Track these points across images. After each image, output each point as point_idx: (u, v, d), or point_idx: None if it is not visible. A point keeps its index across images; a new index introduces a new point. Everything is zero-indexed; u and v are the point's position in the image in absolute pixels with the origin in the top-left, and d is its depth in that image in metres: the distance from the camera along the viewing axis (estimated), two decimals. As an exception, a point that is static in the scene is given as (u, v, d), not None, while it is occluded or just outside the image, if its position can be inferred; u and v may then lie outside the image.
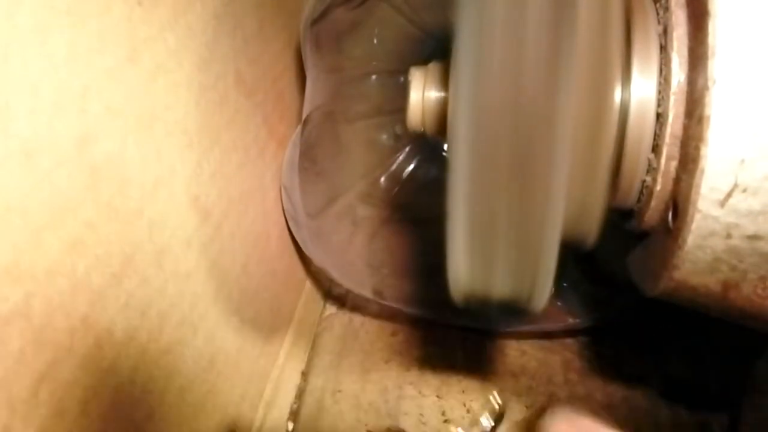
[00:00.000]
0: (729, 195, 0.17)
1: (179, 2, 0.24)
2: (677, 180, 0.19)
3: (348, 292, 0.42)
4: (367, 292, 0.36)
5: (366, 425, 0.34)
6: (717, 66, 0.17)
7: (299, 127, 0.35)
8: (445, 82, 0.22)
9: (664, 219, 0.19)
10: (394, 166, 0.33)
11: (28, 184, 0.17)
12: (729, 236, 0.18)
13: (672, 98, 0.18)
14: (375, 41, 0.33)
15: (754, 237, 0.17)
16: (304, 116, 0.35)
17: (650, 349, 0.35)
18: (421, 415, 0.34)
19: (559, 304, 0.33)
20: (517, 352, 0.37)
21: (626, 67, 0.19)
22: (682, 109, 0.18)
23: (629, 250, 0.23)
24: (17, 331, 0.17)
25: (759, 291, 0.18)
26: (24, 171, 0.17)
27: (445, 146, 0.31)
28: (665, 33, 0.19)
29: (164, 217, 0.24)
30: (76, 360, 0.19)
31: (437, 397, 0.35)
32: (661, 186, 0.19)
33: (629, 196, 0.20)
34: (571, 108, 0.16)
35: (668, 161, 0.19)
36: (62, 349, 0.18)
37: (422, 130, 0.23)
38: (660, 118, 0.19)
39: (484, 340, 0.38)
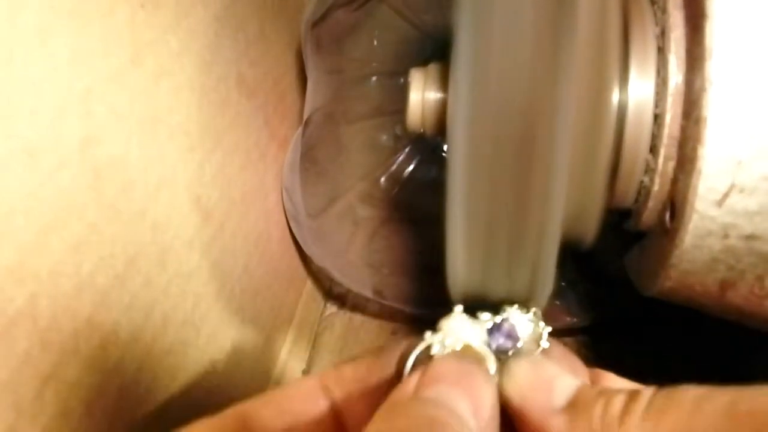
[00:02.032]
0: (726, 195, 0.17)
1: (181, 5, 0.25)
2: (675, 180, 0.19)
3: (348, 291, 0.42)
4: (367, 292, 0.36)
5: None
6: (714, 67, 0.17)
7: (300, 128, 0.35)
8: (444, 83, 0.22)
9: (662, 219, 0.20)
10: (394, 167, 0.33)
11: (32, 185, 0.17)
12: (726, 236, 0.18)
13: (669, 99, 0.18)
14: (375, 43, 0.33)
15: (751, 237, 0.18)
16: (305, 117, 0.35)
17: (648, 348, 0.35)
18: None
19: (557, 303, 0.33)
20: (517, 351, 0.37)
21: (624, 69, 0.19)
22: (679, 110, 0.18)
23: (627, 249, 0.23)
24: (23, 332, 0.17)
25: (756, 290, 0.19)
26: (27, 172, 0.17)
27: (445, 147, 0.31)
28: (663, 35, 0.19)
29: (167, 218, 0.24)
30: (81, 361, 0.19)
31: (437, 395, 0.35)
32: (658, 186, 0.19)
33: (627, 197, 0.21)
34: (570, 109, 0.16)
35: (666, 162, 0.19)
36: (67, 350, 0.19)
37: (422, 130, 0.23)
38: (657, 119, 0.19)
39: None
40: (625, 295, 0.32)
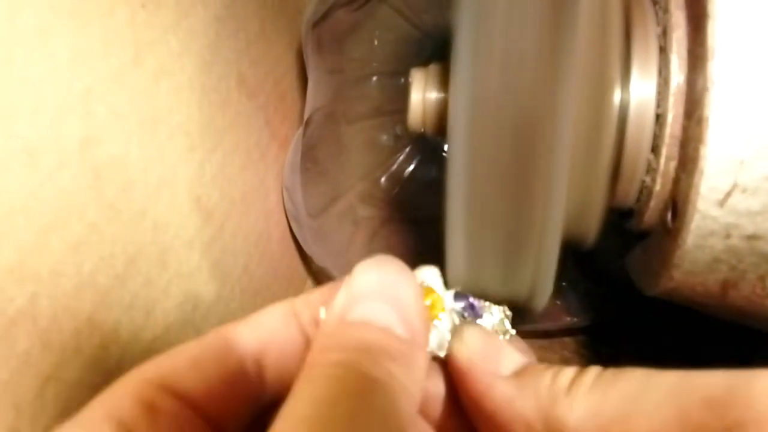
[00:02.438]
0: (728, 195, 0.17)
1: (182, 5, 0.25)
2: (676, 180, 0.19)
3: (349, 291, 0.42)
4: (367, 292, 0.36)
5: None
6: (716, 67, 0.17)
7: (301, 128, 0.35)
8: (445, 83, 0.22)
9: (664, 219, 0.19)
10: (394, 167, 0.33)
11: (32, 185, 0.17)
12: (728, 236, 0.18)
13: (671, 99, 0.18)
14: (376, 43, 0.33)
15: (753, 237, 0.18)
16: (305, 117, 0.35)
17: (648, 348, 0.35)
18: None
19: (557, 303, 0.33)
20: (517, 351, 0.37)
21: (626, 69, 0.19)
22: (681, 110, 0.18)
23: (629, 249, 0.23)
24: (23, 332, 0.17)
25: (758, 290, 0.19)
26: (27, 172, 0.17)
27: (446, 147, 0.31)
28: (665, 34, 0.19)
29: (167, 218, 0.24)
30: (81, 360, 0.19)
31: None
32: (660, 186, 0.19)
33: (629, 196, 0.20)
34: (571, 109, 0.16)
35: (668, 162, 0.19)
36: (68, 350, 0.19)
37: (423, 130, 0.23)
38: (659, 118, 0.19)
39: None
40: (625, 295, 0.32)
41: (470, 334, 0.17)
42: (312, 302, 0.17)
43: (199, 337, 0.16)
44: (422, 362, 0.15)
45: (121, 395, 0.14)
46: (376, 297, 0.15)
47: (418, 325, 0.15)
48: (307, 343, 0.17)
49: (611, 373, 0.14)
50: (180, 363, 0.15)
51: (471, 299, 0.18)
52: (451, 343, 0.17)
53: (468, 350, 0.16)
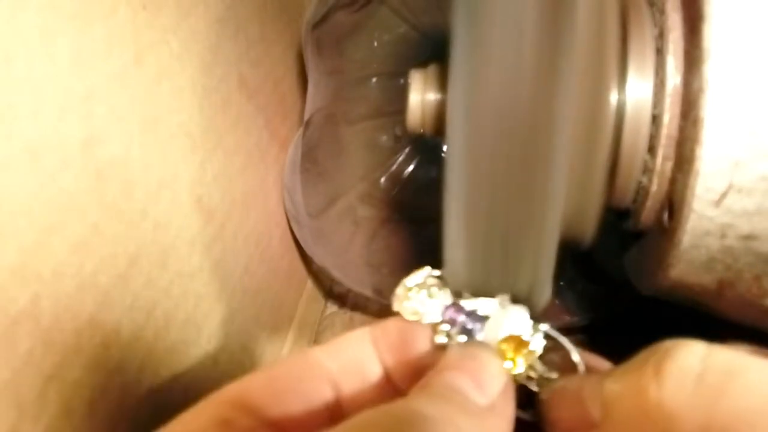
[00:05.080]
0: (724, 195, 0.17)
1: (182, 6, 0.25)
2: (673, 180, 0.19)
3: (349, 291, 0.42)
4: (367, 291, 0.36)
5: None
6: (712, 69, 0.17)
7: (301, 129, 0.35)
8: (444, 83, 0.22)
9: (660, 219, 0.20)
10: (394, 167, 0.33)
11: (34, 185, 0.17)
12: (724, 236, 0.18)
13: (667, 100, 0.19)
14: (375, 44, 0.33)
15: (748, 237, 0.18)
16: (305, 118, 0.35)
17: (647, 347, 0.35)
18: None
19: (556, 302, 0.33)
20: (516, 350, 0.37)
21: (622, 70, 0.19)
22: (677, 110, 0.18)
23: (626, 248, 0.23)
24: (25, 332, 0.17)
25: (754, 290, 0.19)
26: (29, 173, 0.17)
27: (445, 147, 0.31)
28: (661, 36, 0.19)
29: (168, 218, 0.24)
30: (83, 360, 0.19)
31: (437, 395, 0.35)
32: (656, 186, 0.19)
33: (625, 196, 0.21)
34: (569, 109, 0.16)
35: (664, 162, 0.19)
36: (70, 350, 0.19)
37: (422, 131, 0.23)
38: (656, 119, 0.19)
39: (483, 339, 0.38)
40: (624, 295, 0.32)
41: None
42: (389, 330, 0.18)
43: (279, 359, 0.17)
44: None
45: (199, 414, 0.15)
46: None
47: (500, 397, 0.16)
48: (383, 372, 0.18)
49: None
50: (258, 381, 0.16)
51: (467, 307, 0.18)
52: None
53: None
